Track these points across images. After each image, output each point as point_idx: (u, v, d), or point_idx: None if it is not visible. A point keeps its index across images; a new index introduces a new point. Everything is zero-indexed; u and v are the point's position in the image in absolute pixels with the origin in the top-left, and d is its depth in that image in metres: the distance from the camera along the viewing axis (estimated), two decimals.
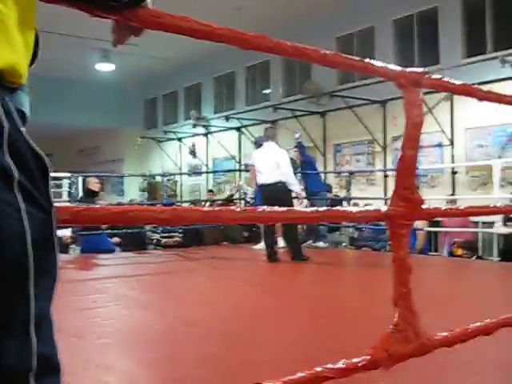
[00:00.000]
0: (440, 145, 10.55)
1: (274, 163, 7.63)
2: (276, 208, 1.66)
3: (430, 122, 9.94)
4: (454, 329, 2.22)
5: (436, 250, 9.89)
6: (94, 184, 9.55)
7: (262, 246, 9.24)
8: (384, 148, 11.56)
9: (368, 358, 1.89)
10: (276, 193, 7.49)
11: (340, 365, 1.83)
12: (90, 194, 9.41)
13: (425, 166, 10.23)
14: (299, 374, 1.73)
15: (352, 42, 12.24)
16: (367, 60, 1.89)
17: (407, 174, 2.02)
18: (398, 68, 2.00)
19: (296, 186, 7.92)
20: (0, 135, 0.82)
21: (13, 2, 0.87)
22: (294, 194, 7.98)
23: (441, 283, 6.09)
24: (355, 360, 1.86)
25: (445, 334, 2.16)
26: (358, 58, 1.89)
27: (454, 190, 10.34)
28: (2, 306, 0.82)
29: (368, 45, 11.82)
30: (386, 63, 2.01)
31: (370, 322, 3.90)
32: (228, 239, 10.92)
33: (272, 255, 7.64)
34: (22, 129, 0.89)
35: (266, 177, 7.69)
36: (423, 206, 2.10)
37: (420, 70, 2.05)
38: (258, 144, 9.47)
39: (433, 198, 9.46)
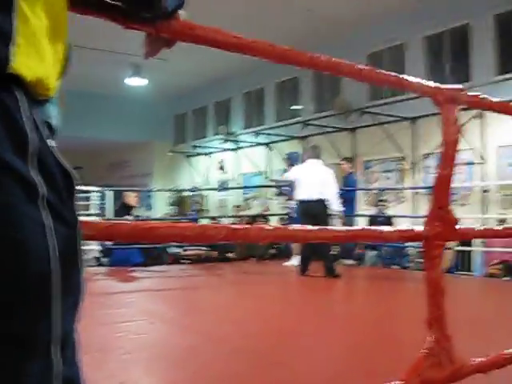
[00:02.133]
0: (470, 163, 10.40)
1: (319, 180, 7.65)
2: (308, 227, 1.62)
3: (460, 139, 9.77)
4: (490, 354, 2.15)
5: (467, 270, 9.69)
6: (132, 198, 9.76)
7: (292, 262, 9.19)
8: (414, 165, 11.43)
9: (400, 383, 1.83)
10: (315, 210, 7.48)
11: None
12: (126, 208, 9.57)
13: (455, 185, 10.07)
14: None
15: (382, 59, 12.17)
16: (403, 76, 1.85)
17: (442, 193, 1.97)
18: (435, 84, 1.95)
19: (336, 206, 7.89)
20: (26, 149, 0.79)
21: (44, 14, 0.85)
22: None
23: (474, 305, 5.96)
24: None
25: (480, 359, 2.08)
26: (393, 74, 1.85)
27: (485, 209, 10.16)
28: (25, 325, 0.79)
29: (398, 62, 11.73)
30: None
31: (401, 343, 3.82)
32: (254, 255, 10.86)
33: (304, 270, 7.63)
34: (50, 142, 0.86)
35: (307, 193, 7.68)
36: (457, 227, 2.04)
37: (457, 86, 2.00)
38: (289, 160, 9.49)
39: (465, 216, 9.29)
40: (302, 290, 6.90)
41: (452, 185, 2.05)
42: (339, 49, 11.61)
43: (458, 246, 8.96)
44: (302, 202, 7.81)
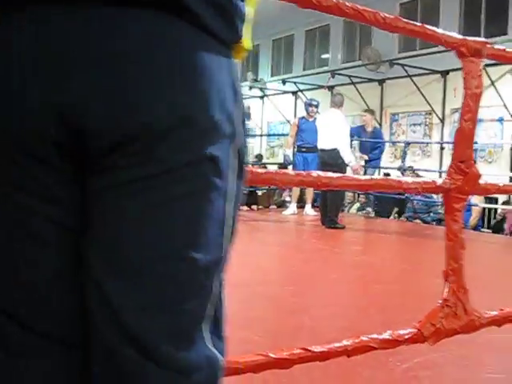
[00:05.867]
0: (501, 119, 10.24)
1: (332, 130, 7.59)
2: (330, 174, 1.64)
3: (491, 95, 9.64)
4: (505, 308, 2.18)
5: (489, 228, 9.62)
6: None
7: (292, 211, 9.20)
8: (442, 120, 11.29)
9: (414, 331, 1.87)
10: (330, 159, 7.45)
11: (385, 336, 1.81)
12: None
13: (483, 141, 9.97)
14: (344, 342, 1.72)
15: (416, 9, 11.90)
16: (427, 26, 1.84)
17: (464, 146, 1.97)
18: (459, 36, 1.94)
19: (347, 156, 7.72)
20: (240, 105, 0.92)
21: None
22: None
23: (494, 261, 5.97)
24: (401, 332, 1.84)
25: (495, 312, 2.11)
26: (417, 24, 1.84)
27: None
28: (212, 306, 0.90)
29: (433, 13, 11.46)
30: (450, 32, 1.96)
31: (418, 295, 3.87)
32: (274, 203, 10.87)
33: (326, 220, 7.63)
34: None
35: (322, 142, 7.71)
36: (480, 181, 2.04)
37: (482, 39, 1.98)
38: (306, 105, 9.38)
39: (490, 174, 9.20)
40: (323, 240, 6.95)
41: (475, 139, 2.05)
42: None
43: (482, 202, 8.92)
44: (320, 151, 7.84)
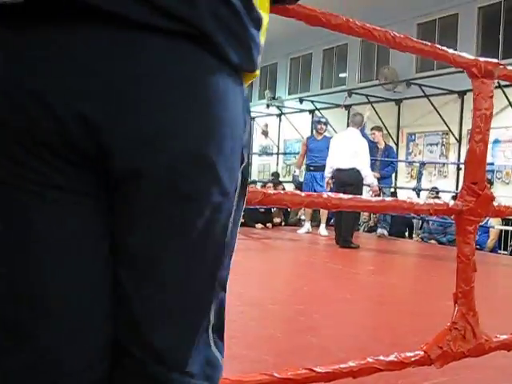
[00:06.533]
0: None
1: (352, 150, 7.49)
2: (341, 195, 1.64)
3: (509, 116, 9.60)
4: None
5: (506, 250, 9.50)
6: None
7: (306, 229, 9.17)
8: (459, 140, 11.24)
9: (421, 353, 1.85)
10: (347, 178, 7.40)
11: (392, 358, 1.80)
12: None
13: (501, 162, 9.91)
14: (350, 363, 1.71)
15: (434, 30, 11.90)
16: (438, 46, 1.84)
17: (476, 167, 1.96)
18: (470, 56, 1.94)
19: (370, 177, 7.71)
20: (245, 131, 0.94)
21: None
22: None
23: (510, 283, 5.91)
24: (408, 354, 1.83)
25: (505, 336, 2.09)
26: (428, 43, 1.84)
27: None
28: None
29: (451, 33, 11.46)
30: (468, 53, 1.95)
31: (430, 316, 3.83)
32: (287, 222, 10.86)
33: (340, 239, 7.58)
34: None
35: (339, 161, 7.59)
36: (494, 203, 2.03)
37: (494, 60, 1.97)
38: (315, 123, 9.37)
39: (507, 195, 9.12)
40: (336, 259, 6.92)
41: (492, 160, 2.04)
42: (389, 17, 11.39)
43: (500, 224, 8.84)
44: (336, 171, 7.72)
